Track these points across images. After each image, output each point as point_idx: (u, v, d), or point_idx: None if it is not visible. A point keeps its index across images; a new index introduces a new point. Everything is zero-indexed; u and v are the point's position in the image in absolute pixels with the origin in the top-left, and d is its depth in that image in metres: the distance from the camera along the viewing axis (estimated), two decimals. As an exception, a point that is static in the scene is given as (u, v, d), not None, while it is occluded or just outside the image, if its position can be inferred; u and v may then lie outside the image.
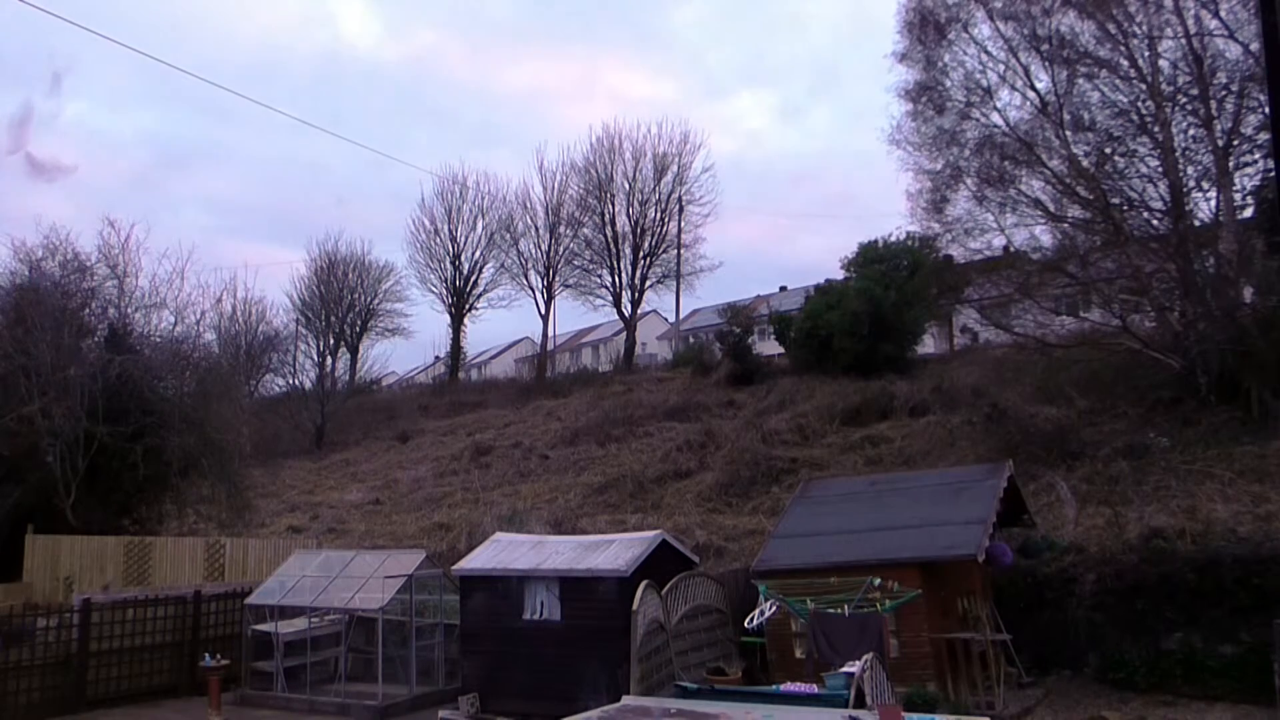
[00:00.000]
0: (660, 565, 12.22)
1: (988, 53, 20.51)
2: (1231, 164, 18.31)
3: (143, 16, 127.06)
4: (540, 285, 49.21)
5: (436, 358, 62.19)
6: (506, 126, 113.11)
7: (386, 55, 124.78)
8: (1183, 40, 18.01)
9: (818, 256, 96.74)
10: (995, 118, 20.44)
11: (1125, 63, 18.58)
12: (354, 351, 54.52)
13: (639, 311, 49.56)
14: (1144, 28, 18.48)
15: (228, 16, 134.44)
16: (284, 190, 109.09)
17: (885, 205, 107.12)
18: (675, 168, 47.58)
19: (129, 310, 21.78)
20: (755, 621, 11.73)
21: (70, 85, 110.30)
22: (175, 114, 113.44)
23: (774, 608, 11.65)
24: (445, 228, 51.33)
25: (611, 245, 47.97)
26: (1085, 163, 19.25)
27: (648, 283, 48.40)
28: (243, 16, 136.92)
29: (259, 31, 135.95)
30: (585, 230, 48.79)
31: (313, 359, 50.04)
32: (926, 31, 21.18)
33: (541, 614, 12.28)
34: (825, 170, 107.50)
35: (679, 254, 48.11)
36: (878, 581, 11.22)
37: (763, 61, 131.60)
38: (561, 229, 48.66)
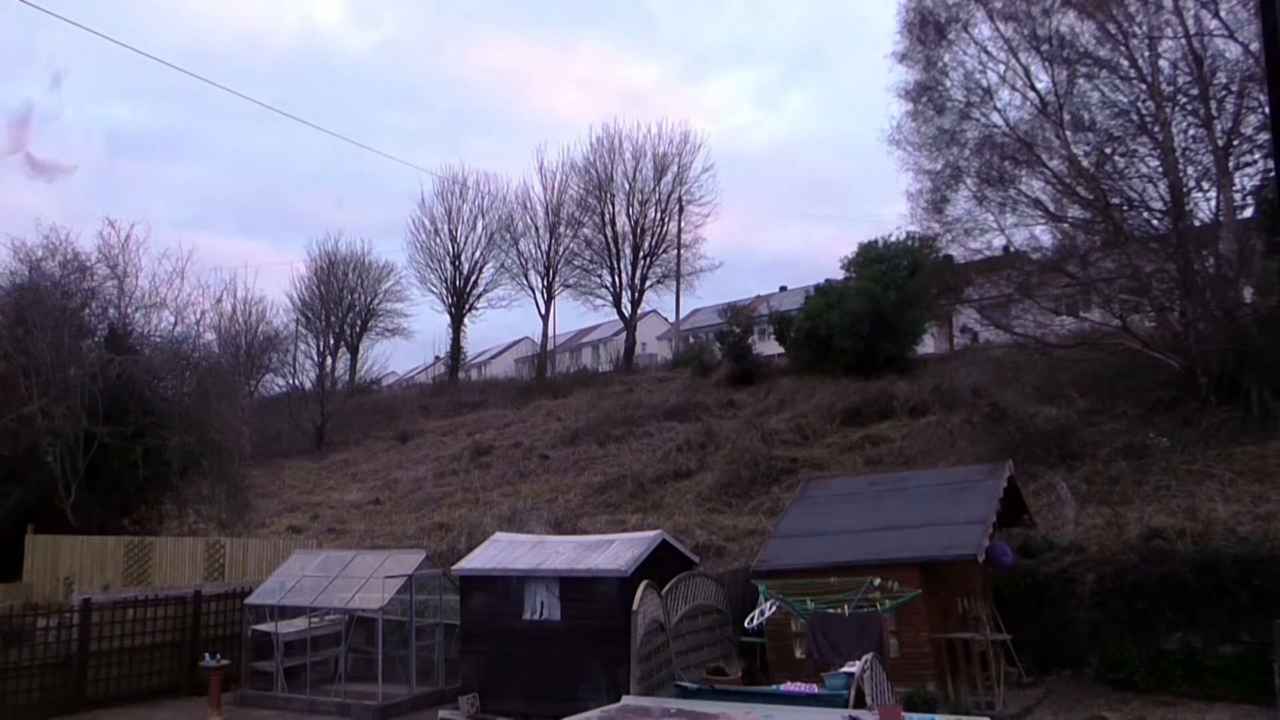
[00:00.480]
0: (660, 565, 12.21)
1: (988, 53, 20.57)
2: (1231, 164, 18.33)
3: (125, 12, 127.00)
4: (540, 285, 49.36)
5: (436, 358, 62.24)
6: (493, 112, 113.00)
7: (360, 43, 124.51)
8: (1183, 40, 18.02)
9: (808, 249, 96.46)
10: (995, 118, 20.50)
11: (1125, 63, 18.60)
12: (354, 351, 54.63)
13: (639, 311, 49.61)
14: (1144, 28, 18.50)
15: (210, 6, 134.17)
16: (280, 188, 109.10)
17: (876, 194, 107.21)
18: (675, 168, 47.74)
19: (129, 310, 21.75)
20: (755, 621, 11.72)
21: (48, 78, 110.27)
22: (160, 109, 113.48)
23: (774, 608, 11.64)
24: (445, 228, 51.49)
25: (611, 245, 48.01)
26: (1085, 163, 19.27)
27: (648, 283, 48.50)
28: (226, 5, 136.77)
29: (239, 20, 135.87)
30: (585, 230, 48.91)
31: (313, 359, 50.07)
32: (926, 31, 21.21)
33: (541, 614, 12.27)
34: (810, 156, 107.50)
35: (679, 254, 48.15)
36: (878, 581, 11.20)
37: (746, 47, 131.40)
38: (561, 229, 48.78)
